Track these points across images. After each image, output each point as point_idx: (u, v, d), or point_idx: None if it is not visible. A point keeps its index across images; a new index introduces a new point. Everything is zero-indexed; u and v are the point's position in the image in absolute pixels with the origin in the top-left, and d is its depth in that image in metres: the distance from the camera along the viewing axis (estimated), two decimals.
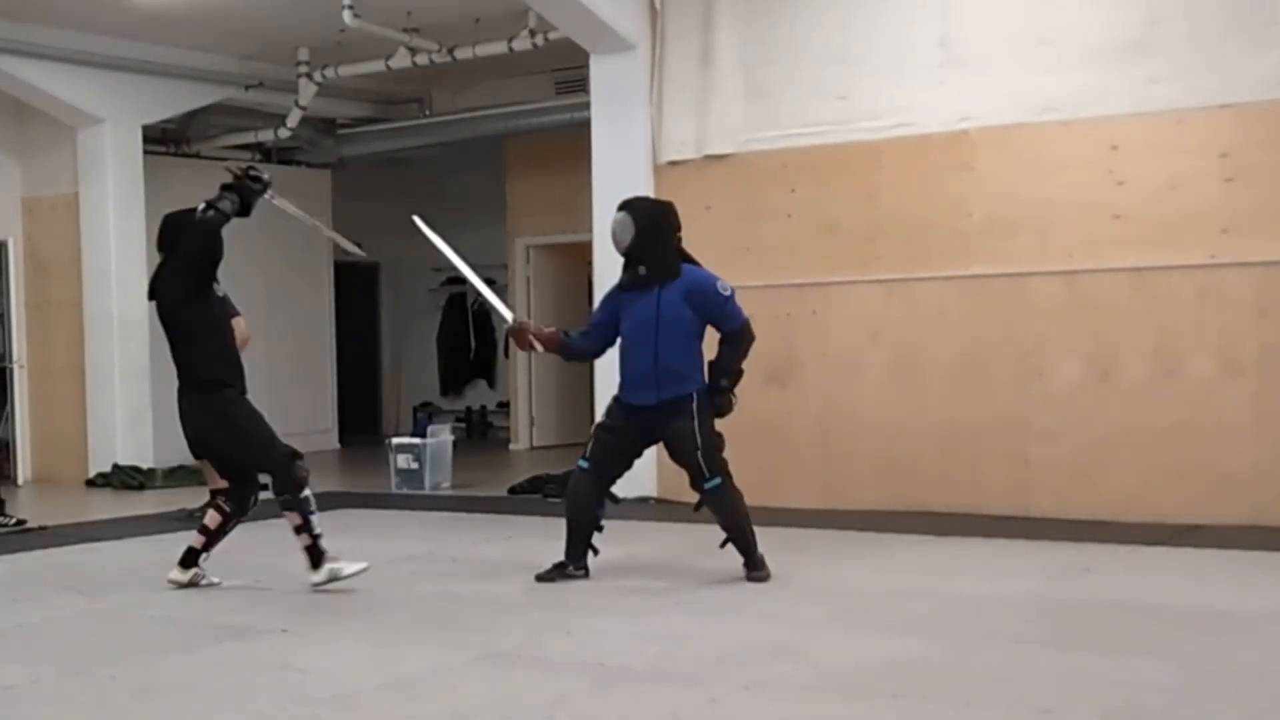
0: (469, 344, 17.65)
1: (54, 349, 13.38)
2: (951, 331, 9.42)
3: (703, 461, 6.96)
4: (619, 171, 10.56)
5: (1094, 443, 8.94)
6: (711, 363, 7.11)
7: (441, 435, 12.02)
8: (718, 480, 6.98)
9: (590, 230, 10.90)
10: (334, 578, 6.97)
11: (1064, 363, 9.07)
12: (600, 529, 7.24)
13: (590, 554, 7.24)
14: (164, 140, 14.32)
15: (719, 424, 7.11)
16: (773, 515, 8.41)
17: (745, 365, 7.16)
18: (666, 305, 7.02)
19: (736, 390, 7.12)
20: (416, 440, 11.89)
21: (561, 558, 7.24)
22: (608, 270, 10.68)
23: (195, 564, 7.20)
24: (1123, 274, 8.87)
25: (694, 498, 7.20)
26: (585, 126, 10.92)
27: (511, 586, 7.20)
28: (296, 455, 7.00)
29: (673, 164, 10.40)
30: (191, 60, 13.22)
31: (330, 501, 11.03)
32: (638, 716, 4.80)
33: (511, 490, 11.21)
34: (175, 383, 10.33)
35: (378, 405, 17.89)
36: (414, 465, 11.68)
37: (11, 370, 13.49)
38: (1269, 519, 8.32)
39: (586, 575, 7.21)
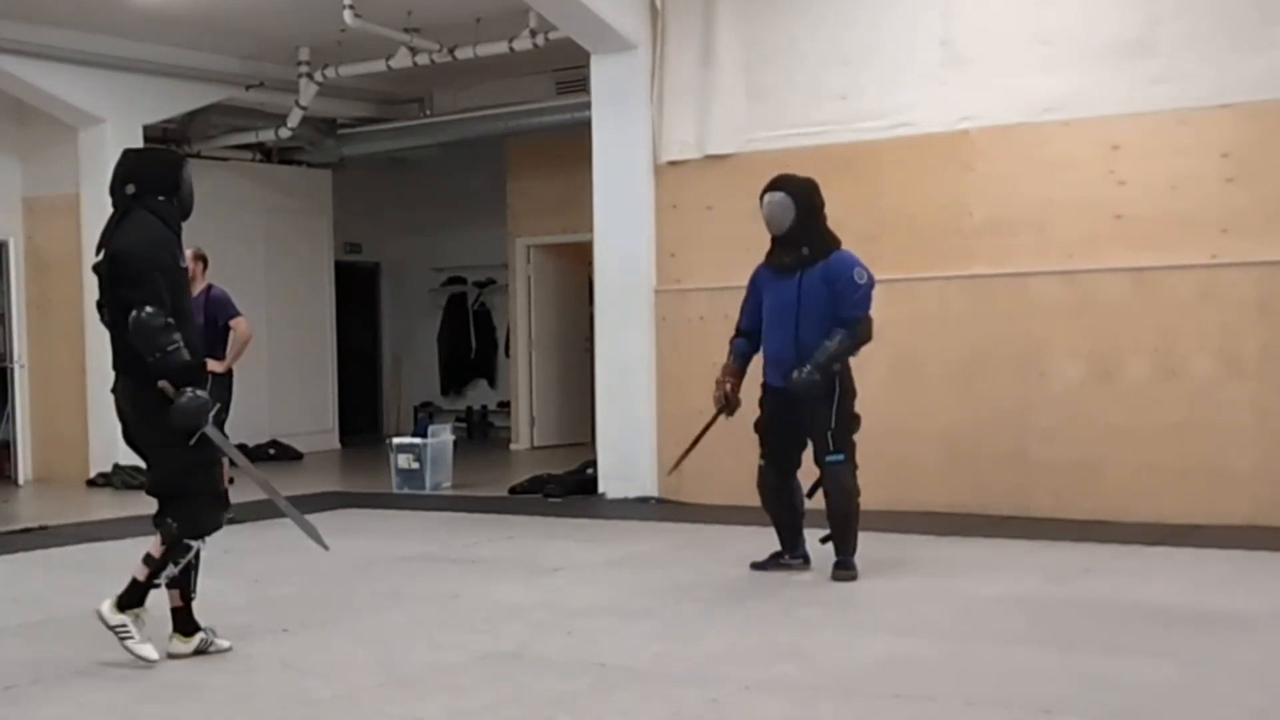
0: (469, 343, 17.66)
1: (55, 349, 13.38)
2: (952, 331, 9.41)
3: (830, 438, 6.89)
4: (620, 171, 10.58)
5: (1095, 442, 8.93)
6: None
7: (442, 435, 12.02)
8: (840, 455, 6.90)
9: (590, 230, 10.90)
10: (207, 647, 5.80)
11: (1065, 362, 9.07)
12: (803, 514, 7.17)
13: (803, 541, 7.18)
14: (165, 140, 14.28)
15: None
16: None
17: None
18: (808, 286, 6.93)
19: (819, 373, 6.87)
20: (417, 440, 11.89)
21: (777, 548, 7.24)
22: (608, 270, 10.73)
23: (195, 628, 5.85)
24: (1124, 274, 8.88)
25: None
26: (586, 126, 10.92)
27: (512, 586, 7.20)
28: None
29: (674, 164, 10.41)
30: (192, 60, 13.21)
31: (331, 501, 11.07)
32: (638, 716, 4.80)
33: (512, 490, 11.21)
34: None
35: (378, 405, 17.90)
36: (415, 465, 11.67)
37: (12, 370, 13.49)
38: (1269, 519, 8.32)
39: (807, 564, 7.17)
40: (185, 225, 6.25)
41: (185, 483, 5.62)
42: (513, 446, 15.44)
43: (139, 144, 13.15)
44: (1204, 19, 8.66)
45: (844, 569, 6.94)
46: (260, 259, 15.09)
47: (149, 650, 5.61)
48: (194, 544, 5.70)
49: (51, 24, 12.07)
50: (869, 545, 8.14)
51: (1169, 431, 8.72)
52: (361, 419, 17.08)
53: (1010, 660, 5.40)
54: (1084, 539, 8.08)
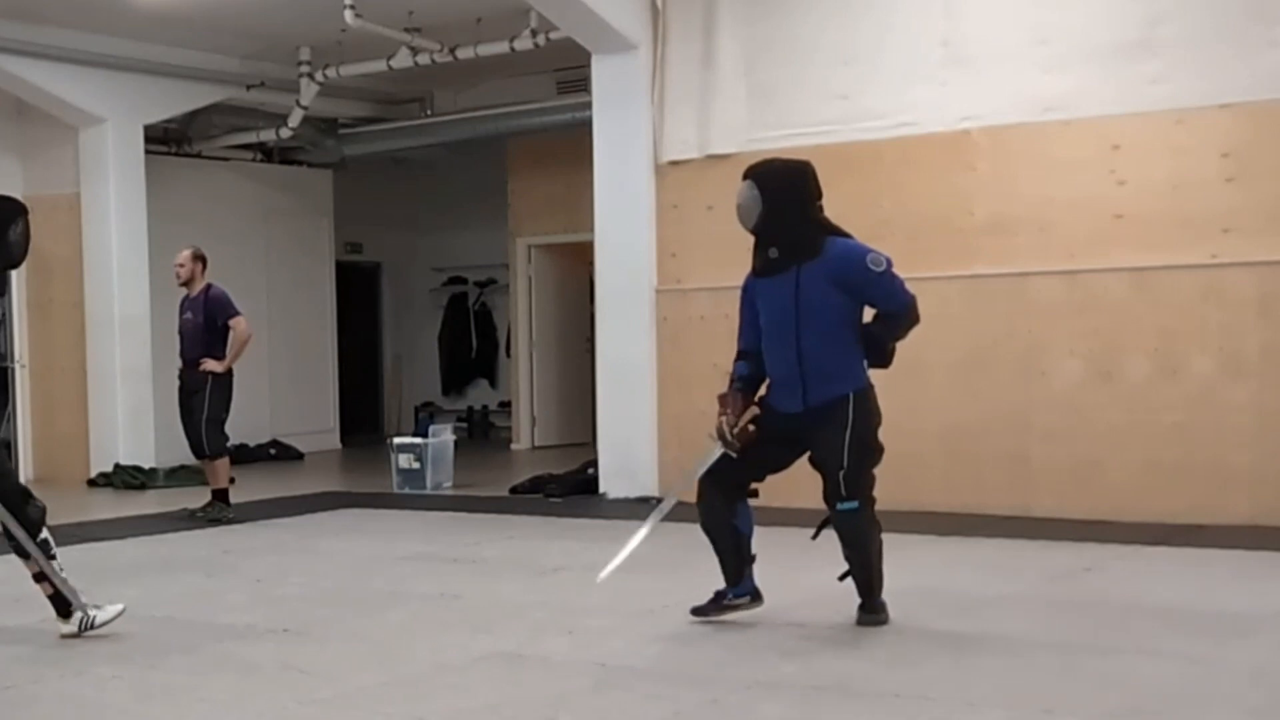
0: (470, 343, 17.66)
1: (55, 349, 13.38)
2: (953, 331, 9.40)
3: (842, 481, 5.80)
4: (620, 171, 10.58)
5: (1096, 442, 8.93)
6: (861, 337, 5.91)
7: (443, 435, 12.02)
8: (854, 504, 5.82)
9: (591, 230, 10.90)
10: (88, 626, 6.02)
11: (1066, 362, 9.07)
12: (750, 534, 6.08)
13: (750, 573, 6.09)
14: (165, 140, 14.32)
15: None
16: (773, 515, 8.40)
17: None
18: (807, 290, 5.77)
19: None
20: (418, 440, 11.89)
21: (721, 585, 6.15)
22: (608, 270, 10.72)
23: (70, 610, 6.10)
24: (1124, 273, 8.88)
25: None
26: (587, 126, 10.92)
27: (512, 586, 7.20)
28: (29, 494, 6.17)
29: (674, 164, 10.40)
30: (193, 60, 13.21)
31: (332, 501, 11.08)
32: (639, 716, 4.80)
33: (513, 490, 11.21)
34: (176, 383, 10.43)
35: (379, 405, 17.89)
36: (415, 465, 11.68)
37: (13, 370, 13.48)
38: (1270, 519, 8.32)
39: (753, 600, 6.08)
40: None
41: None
42: (514, 446, 15.44)
43: (140, 144, 13.19)
44: (1204, 19, 8.66)
45: (869, 613, 5.97)
46: (261, 259, 15.09)
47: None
48: (45, 534, 6.08)
49: (51, 24, 12.07)
50: None
51: (1169, 431, 8.72)
52: (362, 419, 17.08)
53: (1010, 660, 5.39)
54: (1084, 539, 8.08)
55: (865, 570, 5.96)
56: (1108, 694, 4.85)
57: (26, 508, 6.07)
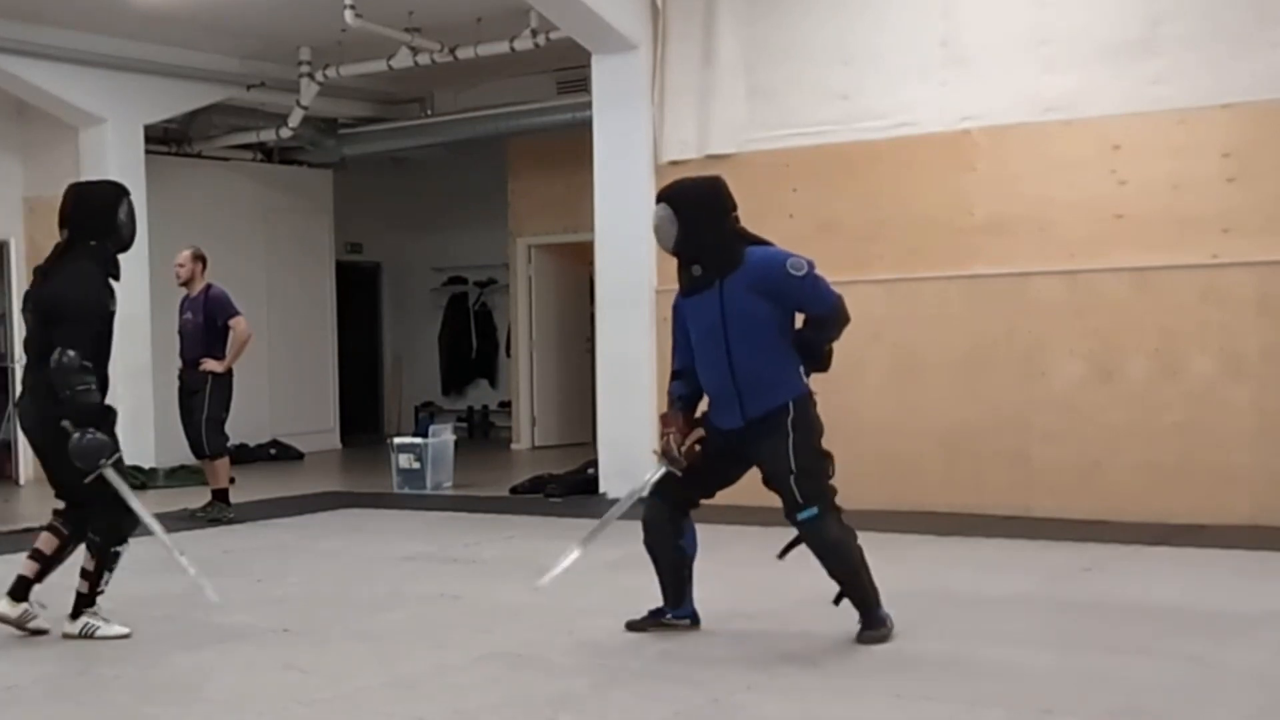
0: (470, 343, 17.66)
1: None
2: (953, 331, 9.41)
3: (796, 488, 5.66)
4: (620, 171, 10.58)
5: (1096, 442, 8.93)
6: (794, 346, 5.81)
7: (443, 435, 12.02)
8: (814, 510, 5.66)
9: (591, 230, 10.91)
10: (89, 634, 6.02)
11: (1066, 362, 9.07)
12: (692, 560, 5.97)
13: (690, 595, 5.98)
14: (165, 140, 14.32)
15: None
16: (773, 515, 8.40)
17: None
18: (732, 302, 5.69)
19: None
20: (418, 440, 11.89)
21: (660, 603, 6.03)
22: (608, 270, 10.73)
23: (26, 597, 6.09)
24: (1125, 273, 8.88)
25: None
26: (587, 126, 10.93)
27: (512, 586, 7.19)
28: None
29: (674, 164, 10.39)
30: (193, 60, 13.21)
31: (332, 501, 11.08)
32: (638, 716, 4.80)
33: (513, 490, 11.21)
34: (176, 383, 10.43)
35: (379, 405, 17.90)
36: (416, 465, 11.67)
37: (12, 370, 13.46)
38: (1271, 519, 8.32)
39: (692, 624, 5.97)
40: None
41: (97, 490, 5.92)
42: (514, 446, 15.44)
43: (140, 144, 13.19)
44: (1204, 19, 8.66)
45: (870, 629, 5.70)
46: (261, 259, 15.09)
47: (118, 628, 6.05)
48: (121, 549, 6.07)
49: (51, 24, 12.07)
50: (870, 545, 8.11)
51: (1169, 431, 8.72)
52: (363, 419, 17.08)
53: (1010, 660, 5.39)
54: (1084, 539, 8.08)
55: (854, 584, 5.72)
56: (1108, 694, 4.85)
57: (125, 519, 6.05)
